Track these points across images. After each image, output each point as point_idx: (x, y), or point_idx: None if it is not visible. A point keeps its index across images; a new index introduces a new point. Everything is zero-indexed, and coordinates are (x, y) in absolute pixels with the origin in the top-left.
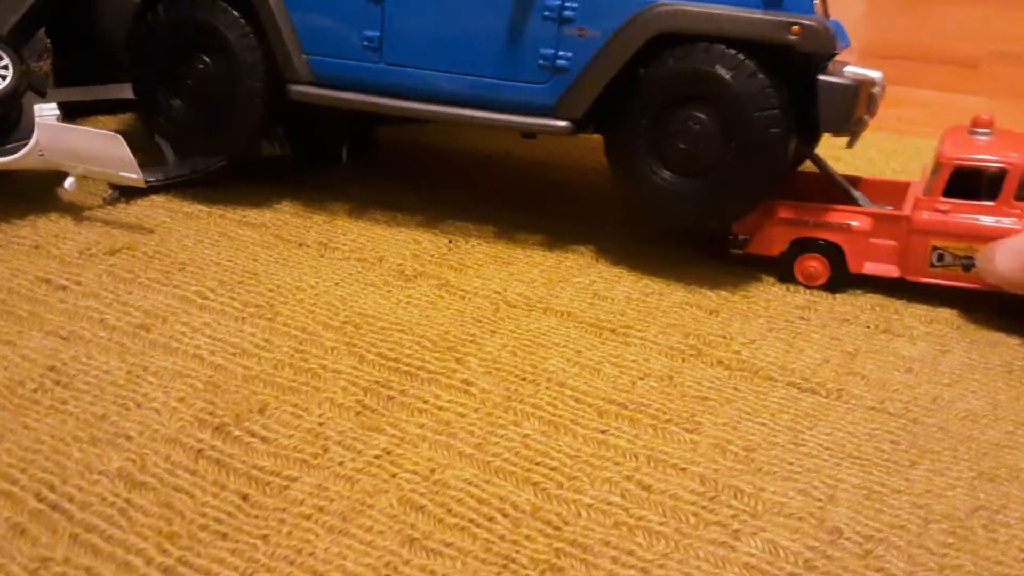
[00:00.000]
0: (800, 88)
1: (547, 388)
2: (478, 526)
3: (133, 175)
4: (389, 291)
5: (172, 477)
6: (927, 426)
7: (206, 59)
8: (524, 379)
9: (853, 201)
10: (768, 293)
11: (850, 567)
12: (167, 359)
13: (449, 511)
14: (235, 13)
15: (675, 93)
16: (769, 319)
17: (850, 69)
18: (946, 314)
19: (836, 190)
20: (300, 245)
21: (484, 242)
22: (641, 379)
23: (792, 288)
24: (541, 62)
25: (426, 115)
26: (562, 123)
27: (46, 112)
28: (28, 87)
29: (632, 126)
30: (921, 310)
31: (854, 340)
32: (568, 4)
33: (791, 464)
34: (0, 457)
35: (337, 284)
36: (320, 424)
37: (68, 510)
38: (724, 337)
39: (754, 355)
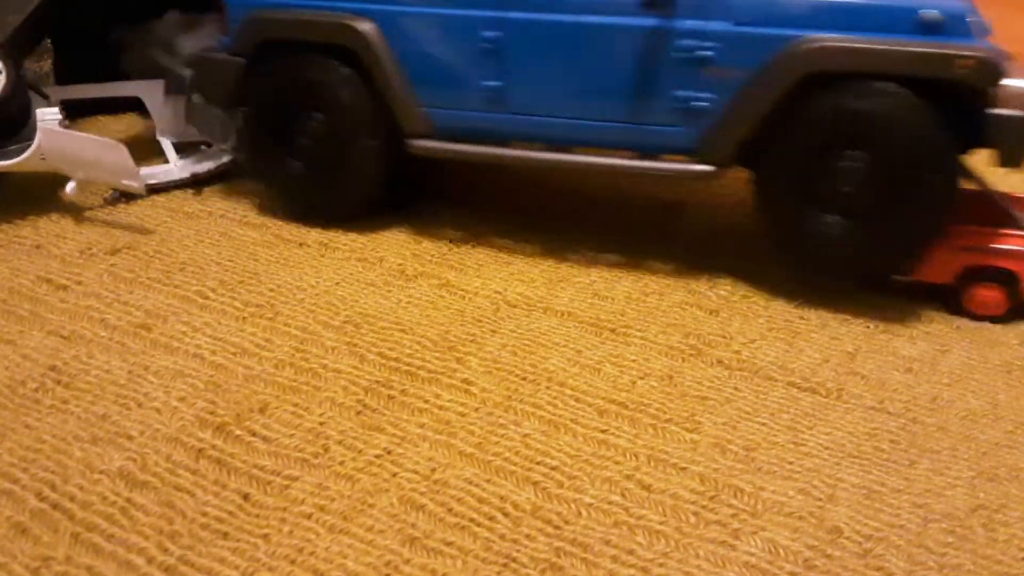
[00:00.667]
0: (963, 114)
1: (547, 388)
2: (479, 525)
3: (134, 183)
4: (390, 291)
5: (173, 476)
6: (927, 426)
7: (320, 118)
8: (524, 379)
9: (1016, 223)
10: (768, 293)
11: (850, 566)
12: (168, 359)
13: (449, 510)
14: (347, 70)
15: (832, 134)
16: (769, 319)
17: (1013, 83)
18: (946, 314)
19: (990, 208)
20: (301, 245)
21: (484, 242)
22: (641, 379)
23: (791, 288)
24: (676, 105)
25: (555, 165)
26: (704, 167)
27: (48, 117)
28: (25, 93)
29: (784, 169)
30: (921, 310)
31: (854, 340)
32: (704, 44)
33: (791, 464)
34: (1, 456)
35: (338, 284)
36: (321, 423)
37: (69, 509)
38: (724, 337)
39: (754, 355)
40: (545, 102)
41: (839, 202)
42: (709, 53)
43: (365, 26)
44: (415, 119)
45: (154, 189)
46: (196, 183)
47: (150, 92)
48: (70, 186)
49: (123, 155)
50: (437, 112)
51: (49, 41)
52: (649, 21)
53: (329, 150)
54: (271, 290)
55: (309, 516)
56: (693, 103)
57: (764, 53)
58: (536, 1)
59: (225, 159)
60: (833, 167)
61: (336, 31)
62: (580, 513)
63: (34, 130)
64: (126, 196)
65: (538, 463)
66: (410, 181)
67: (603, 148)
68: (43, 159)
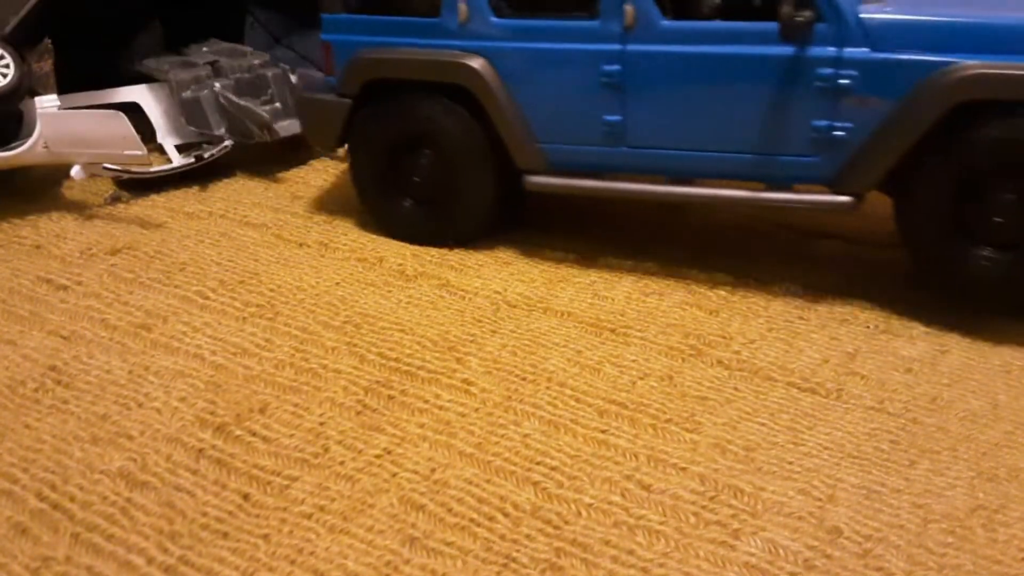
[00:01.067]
0: None
1: (547, 388)
2: (478, 525)
3: (137, 152)
4: (389, 291)
5: (173, 476)
6: (927, 426)
7: (429, 154)
8: (524, 379)
9: None
10: (768, 293)
11: (850, 566)
12: (168, 359)
13: (449, 510)
14: (460, 108)
15: (990, 164)
16: (769, 319)
17: None
18: (946, 314)
19: None
20: (301, 245)
21: (484, 242)
22: (641, 379)
23: (792, 288)
24: (813, 135)
25: (679, 198)
26: (843, 199)
27: (47, 103)
28: (30, 86)
29: (935, 201)
30: (921, 310)
31: (854, 340)
32: (844, 72)
33: (791, 464)
34: (1, 456)
35: (338, 284)
36: (321, 424)
37: (69, 509)
38: (724, 337)
39: (754, 355)
40: (669, 135)
41: (994, 233)
42: (847, 82)
43: (478, 63)
44: (530, 155)
45: (154, 187)
46: (201, 166)
47: (148, 97)
48: (75, 170)
49: (124, 123)
50: (553, 147)
51: (49, 42)
52: (785, 50)
53: (441, 185)
54: (271, 290)
55: (309, 516)
56: (832, 133)
57: (907, 81)
58: (661, 33)
59: (225, 144)
60: (991, 199)
61: (449, 69)
62: (580, 513)
63: (31, 129)
64: (129, 190)
65: (538, 463)
66: (519, 203)
67: (727, 179)
68: (46, 147)
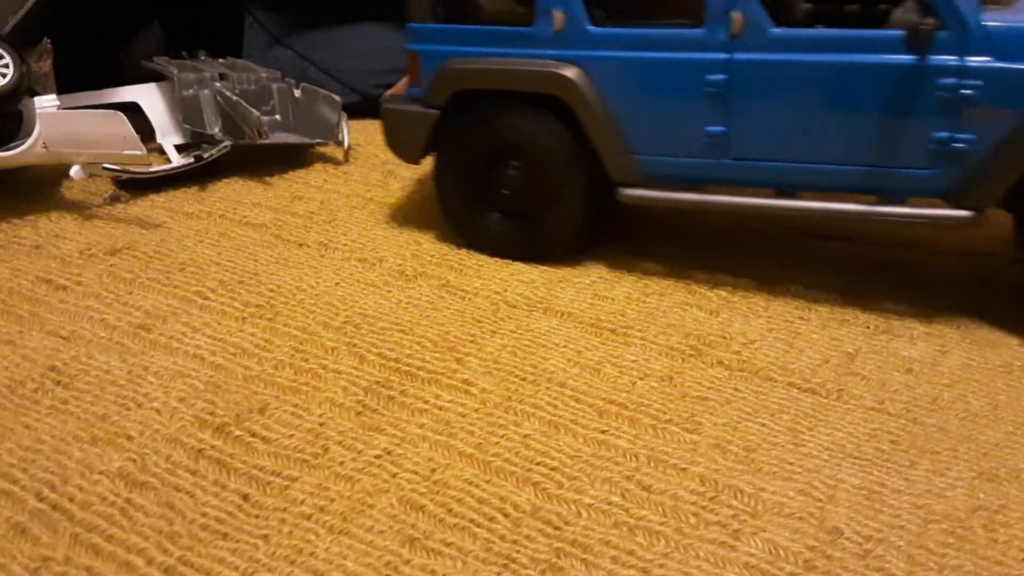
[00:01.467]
0: None
1: (547, 388)
2: (478, 526)
3: (137, 151)
4: (389, 291)
5: (173, 477)
6: (927, 426)
7: (523, 168)
8: (524, 379)
9: None
10: (768, 293)
11: (850, 567)
12: (168, 359)
13: (449, 511)
14: (551, 117)
15: None
16: (769, 319)
17: None
18: (946, 314)
19: None
20: (300, 245)
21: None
22: (641, 379)
23: (792, 288)
24: (933, 147)
25: (787, 212)
26: (964, 213)
27: (46, 103)
28: (29, 86)
29: None
30: (921, 310)
31: (854, 340)
32: (967, 82)
33: (791, 464)
34: (1, 457)
35: (337, 284)
36: (321, 424)
37: (69, 510)
38: (724, 337)
39: (754, 355)
40: (776, 146)
41: None
42: (970, 92)
43: (574, 73)
44: (624, 166)
45: (161, 180)
46: (200, 166)
47: (148, 97)
48: (75, 169)
49: (122, 123)
50: (649, 159)
51: (49, 42)
52: (905, 58)
53: (531, 199)
54: (271, 291)
55: (309, 517)
56: (952, 145)
57: None
58: (770, 41)
59: (224, 144)
60: None
61: (544, 79)
62: (580, 514)
63: (31, 129)
64: (128, 189)
65: (538, 464)
66: (609, 217)
67: (836, 192)
68: (45, 147)
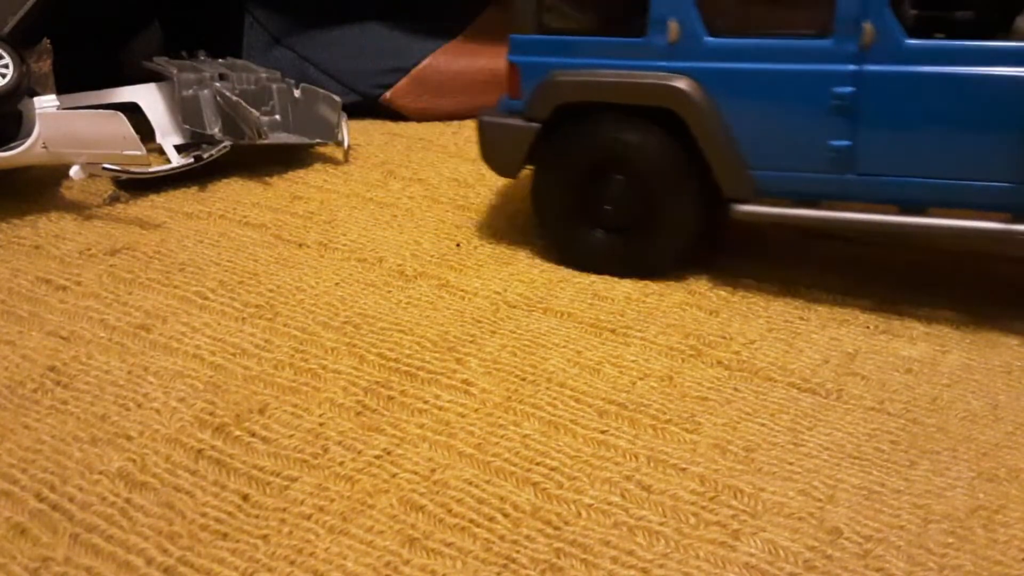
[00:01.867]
0: None
1: (547, 388)
2: (478, 526)
3: (137, 152)
4: (389, 291)
5: (172, 477)
6: (927, 426)
7: (629, 183)
8: (524, 379)
9: None
10: (768, 293)
11: (850, 567)
12: (167, 359)
13: (449, 511)
14: (660, 130)
15: None
16: (769, 319)
17: None
18: (946, 314)
19: None
20: (300, 245)
21: (485, 243)
22: (641, 379)
23: (792, 288)
24: None
25: (917, 230)
26: None
27: (46, 103)
28: (28, 86)
29: None
30: (921, 310)
31: (854, 340)
32: None
33: (791, 464)
34: (1, 457)
35: (337, 284)
36: (320, 424)
37: (69, 510)
38: (724, 337)
39: (754, 355)
40: (906, 161)
41: None
42: None
43: (688, 85)
44: (739, 181)
45: (161, 180)
46: (200, 167)
47: (148, 97)
48: (74, 170)
49: (122, 123)
50: (765, 174)
51: (48, 42)
52: None
53: (638, 214)
54: (270, 291)
55: (309, 517)
56: None
57: None
58: (905, 52)
59: (224, 144)
60: None
61: (657, 91)
62: (580, 514)
63: (30, 129)
64: (127, 190)
65: (538, 464)
66: (715, 232)
67: (970, 210)
68: (45, 147)
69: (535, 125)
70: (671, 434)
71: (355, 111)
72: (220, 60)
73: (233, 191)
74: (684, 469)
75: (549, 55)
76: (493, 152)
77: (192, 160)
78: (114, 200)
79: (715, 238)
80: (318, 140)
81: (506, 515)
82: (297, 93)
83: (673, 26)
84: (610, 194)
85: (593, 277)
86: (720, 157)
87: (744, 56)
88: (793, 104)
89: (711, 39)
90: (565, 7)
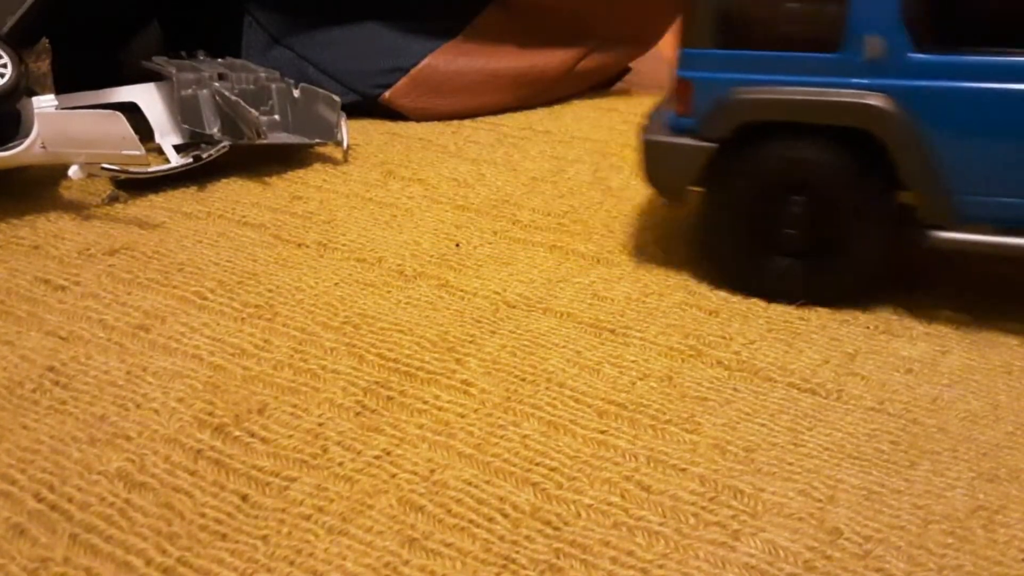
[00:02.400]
0: None
1: (547, 388)
2: (478, 526)
3: (136, 151)
4: (389, 291)
5: (171, 477)
6: (927, 427)
7: (815, 206)
8: (524, 379)
9: None
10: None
11: (850, 567)
12: (166, 359)
13: (449, 511)
14: (852, 152)
15: None
16: (769, 319)
17: None
18: (946, 314)
19: None
20: (299, 245)
21: (485, 243)
22: (641, 379)
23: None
24: None
25: None
26: None
27: (44, 103)
28: (27, 86)
29: None
30: (921, 310)
31: (854, 340)
32: None
33: (791, 464)
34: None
35: (336, 284)
36: (320, 424)
37: (67, 510)
38: (724, 337)
39: (754, 355)
40: None
41: None
42: None
43: (887, 104)
44: (939, 207)
45: (161, 179)
46: (199, 167)
47: (147, 97)
48: (73, 169)
49: (121, 123)
50: (970, 199)
51: (47, 41)
52: None
53: (826, 239)
54: (270, 291)
55: (308, 517)
56: None
57: None
58: None
59: (223, 144)
60: None
61: (852, 111)
62: (579, 514)
63: (29, 128)
64: (126, 190)
65: (537, 464)
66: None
67: None
68: (43, 147)
69: (711, 145)
70: (671, 434)
71: (354, 111)
72: (219, 60)
73: (232, 191)
74: (684, 469)
75: (727, 71)
76: (659, 173)
77: (191, 160)
78: (113, 200)
79: (898, 262)
80: (317, 140)
81: (505, 515)
82: (296, 93)
83: (874, 41)
84: (794, 217)
85: (593, 277)
86: (921, 182)
87: (957, 74)
88: (1013, 126)
89: (918, 55)
90: (748, 20)
